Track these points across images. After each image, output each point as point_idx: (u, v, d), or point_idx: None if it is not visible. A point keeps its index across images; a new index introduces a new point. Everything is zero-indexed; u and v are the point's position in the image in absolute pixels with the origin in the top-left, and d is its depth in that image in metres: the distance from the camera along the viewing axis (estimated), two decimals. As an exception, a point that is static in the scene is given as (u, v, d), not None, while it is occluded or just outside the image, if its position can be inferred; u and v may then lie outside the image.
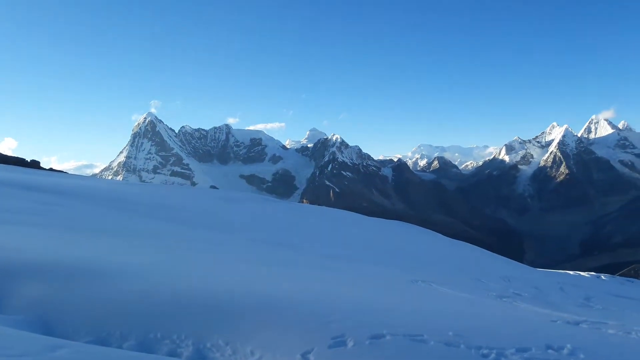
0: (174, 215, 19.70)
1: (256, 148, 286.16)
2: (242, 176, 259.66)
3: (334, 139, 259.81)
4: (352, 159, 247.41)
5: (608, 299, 18.30)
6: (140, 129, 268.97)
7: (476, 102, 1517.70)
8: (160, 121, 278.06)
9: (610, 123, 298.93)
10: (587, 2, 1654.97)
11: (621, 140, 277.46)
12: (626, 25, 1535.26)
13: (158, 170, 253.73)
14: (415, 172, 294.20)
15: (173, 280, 7.41)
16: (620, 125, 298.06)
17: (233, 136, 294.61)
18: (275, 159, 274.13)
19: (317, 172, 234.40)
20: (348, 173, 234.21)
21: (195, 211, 23.08)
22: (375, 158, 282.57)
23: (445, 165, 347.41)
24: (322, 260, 15.02)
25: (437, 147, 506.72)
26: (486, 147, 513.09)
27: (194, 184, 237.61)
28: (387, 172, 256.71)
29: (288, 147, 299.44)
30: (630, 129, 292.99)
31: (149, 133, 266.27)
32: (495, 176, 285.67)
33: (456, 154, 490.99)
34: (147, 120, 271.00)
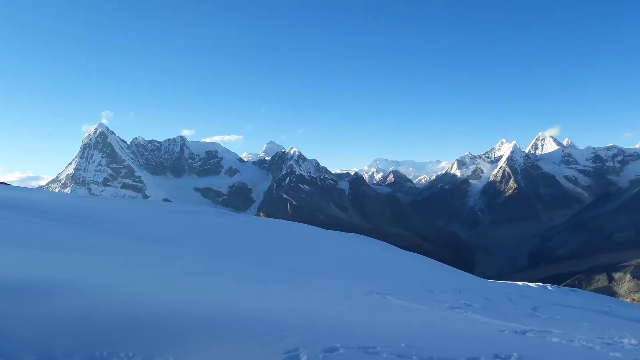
0: (125, 230, 19.05)
1: (212, 160, 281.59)
2: (196, 189, 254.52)
3: (292, 152, 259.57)
4: (309, 173, 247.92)
5: (554, 308, 19.05)
6: (90, 140, 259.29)
7: (430, 119, 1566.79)
8: (112, 132, 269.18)
9: (555, 140, 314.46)
10: (534, 25, 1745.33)
11: (565, 156, 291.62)
12: (570, 50, 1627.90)
13: (108, 183, 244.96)
14: (371, 185, 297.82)
15: (122, 296, 7.15)
16: (564, 142, 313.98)
17: (188, 148, 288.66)
18: (231, 172, 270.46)
19: (275, 185, 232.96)
20: (305, 186, 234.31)
21: (147, 225, 22.41)
22: (333, 172, 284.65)
23: (400, 179, 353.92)
24: (277, 273, 14.89)
25: (392, 161, 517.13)
26: (439, 161, 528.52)
27: (145, 197, 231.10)
28: (344, 185, 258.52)
29: (245, 160, 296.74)
30: (574, 146, 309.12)
31: (100, 144, 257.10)
32: (447, 190, 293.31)
33: (410, 168, 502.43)
34: (97, 131, 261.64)
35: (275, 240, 24.61)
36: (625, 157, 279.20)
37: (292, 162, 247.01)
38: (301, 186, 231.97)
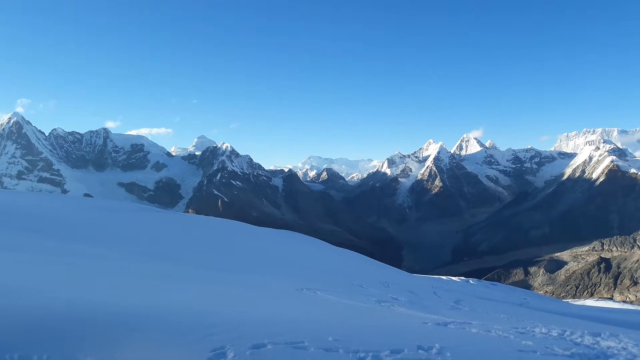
0: (42, 227, 17.83)
1: (137, 154, 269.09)
2: (120, 184, 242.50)
3: (224, 147, 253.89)
4: (242, 169, 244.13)
5: (475, 301, 20.16)
6: (3, 130, 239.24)
7: (362, 118, 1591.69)
8: (28, 122, 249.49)
9: (478, 142, 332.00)
10: (459, 29, 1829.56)
11: (488, 157, 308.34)
12: (492, 56, 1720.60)
13: (23, 176, 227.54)
14: (305, 182, 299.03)
15: (39, 296, 6.69)
16: (487, 144, 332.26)
17: (112, 141, 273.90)
18: (158, 167, 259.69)
19: (205, 181, 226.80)
20: (238, 182, 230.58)
21: (66, 221, 21.10)
22: (267, 168, 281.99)
23: (333, 177, 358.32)
24: (207, 272, 14.60)
25: (326, 158, 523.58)
26: (371, 160, 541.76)
27: (65, 191, 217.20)
28: (277, 182, 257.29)
29: (174, 154, 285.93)
30: (496, 148, 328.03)
31: (14, 135, 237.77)
32: (378, 188, 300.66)
33: (343, 166, 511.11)
34: (12, 121, 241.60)
35: (204, 237, 24.08)
36: (541, 159, 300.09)
37: (224, 157, 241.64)
38: (233, 182, 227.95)
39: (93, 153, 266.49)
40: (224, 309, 8.32)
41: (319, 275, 19.21)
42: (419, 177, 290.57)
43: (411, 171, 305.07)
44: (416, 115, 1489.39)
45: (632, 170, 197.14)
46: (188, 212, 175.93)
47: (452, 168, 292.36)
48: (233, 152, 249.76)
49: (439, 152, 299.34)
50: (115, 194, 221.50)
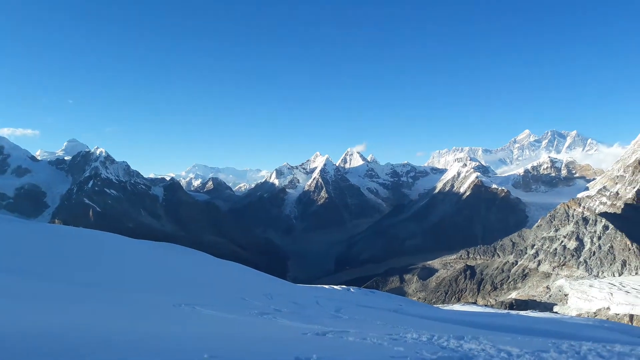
0: None
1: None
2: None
3: (98, 152, 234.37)
4: (118, 176, 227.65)
5: (354, 309, 20.89)
6: None
7: (251, 129, 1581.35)
8: None
9: (361, 155, 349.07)
10: (343, 50, 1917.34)
11: (369, 170, 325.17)
12: (371, 76, 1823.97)
13: None
14: (188, 192, 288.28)
15: None
16: (369, 158, 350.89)
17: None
18: (20, 172, 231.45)
19: (75, 189, 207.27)
20: (113, 191, 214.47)
21: None
22: (146, 176, 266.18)
23: (220, 187, 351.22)
24: (76, 288, 13.28)
25: (212, 167, 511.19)
26: (259, 170, 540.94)
27: None
28: (157, 191, 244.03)
29: (39, 158, 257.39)
30: (376, 162, 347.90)
31: None
32: (266, 198, 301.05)
33: (231, 176, 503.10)
34: None
35: (70, 250, 21.88)
36: (416, 173, 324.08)
37: (97, 163, 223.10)
38: (107, 191, 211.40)
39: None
40: (92, 328, 7.61)
41: (199, 290, 18.52)
42: (306, 188, 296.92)
43: (299, 182, 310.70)
44: (305, 127, 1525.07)
45: (494, 186, 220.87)
46: (54, 222, 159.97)
47: (337, 180, 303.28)
48: (108, 157, 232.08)
49: (325, 165, 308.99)
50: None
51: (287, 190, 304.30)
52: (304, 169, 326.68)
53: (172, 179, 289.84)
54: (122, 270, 19.45)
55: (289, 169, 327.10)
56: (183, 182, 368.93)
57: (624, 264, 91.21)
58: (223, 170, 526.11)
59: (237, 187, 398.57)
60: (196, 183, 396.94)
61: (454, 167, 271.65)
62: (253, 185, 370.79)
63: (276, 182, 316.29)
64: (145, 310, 11.30)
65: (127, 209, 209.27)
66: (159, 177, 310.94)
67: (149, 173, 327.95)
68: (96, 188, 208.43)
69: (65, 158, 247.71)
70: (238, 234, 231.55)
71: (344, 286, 61.16)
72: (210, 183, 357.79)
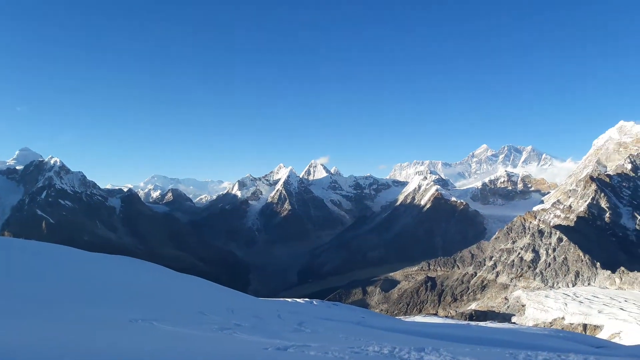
0: None
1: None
2: None
3: (52, 162, 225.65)
4: (73, 187, 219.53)
5: (317, 322, 20.70)
6: None
7: (213, 139, 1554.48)
8: None
9: (325, 168, 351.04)
10: (312, 66, 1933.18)
11: (332, 182, 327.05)
12: (334, 91, 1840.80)
13: None
14: (147, 203, 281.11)
15: None
16: (332, 170, 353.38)
17: None
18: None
19: (27, 200, 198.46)
20: (67, 202, 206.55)
21: None
22: (103, 187, 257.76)
23: (180, 198, 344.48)
24: (23, 304, 12.56)
25: (172, 179, 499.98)
26: (221, 181, 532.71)
27: None
28: (115, 202, 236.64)
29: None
30: (340, 174, 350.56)
31: None
32: (227, 210, 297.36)
33: (191, 187, 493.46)
34: None
35: (19, 264, 20.78)
36: (378, 185, 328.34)
37: (51, 173, 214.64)
38: (62, 202, 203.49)
39: None
40: (38, 347, 7.18)
41: (156, 304, 17.92)
42: (269, 200, 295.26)
43: (262, 194, 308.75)
44: (268, 139, 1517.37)
45: (453, 199, 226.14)
46: (4, 234, 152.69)
47: (301, 192, 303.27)
48: (63, 167, 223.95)
49: (288, 176, 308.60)
50: None
51: (249, 202, 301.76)
52: (267, 180, 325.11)
53: (130, 190, 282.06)
54: (75, 284, 18.59)
55: (251, 180, 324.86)
56: (141, 194, 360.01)
57: (577, 274, 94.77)
58: (183, 181, 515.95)
59: (197, 199, 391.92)
60: (155, 194, 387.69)
61: (415, 180, 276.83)
62: (214, 197, 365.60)
63: (238, 193, 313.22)
64: (99, 326, 10.80)
65: (83, 220, 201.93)
66: (117, 188, 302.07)
67: (106, 184, 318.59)
68: (50, 199, 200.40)
69: (17, 167, 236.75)
70: (198, 247, 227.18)
71: (307, 299, 60.84)
72: (169, 194, 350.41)
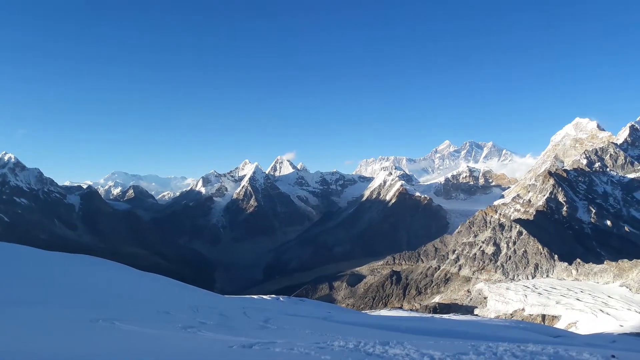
0: None
1: None
2: None
3: (7, 158, 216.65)
4: (29, 184, 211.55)
5: (283, 318, 20.65)
6: None
7: (176, 135, 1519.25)
8: None
9: (291, 164, 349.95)
10: (274, 64, 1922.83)
11: (299, 178, 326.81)
12: (302, 86, 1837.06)
13: None
14: (107, 201, 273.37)
15: None
16: (299, 166, 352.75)
17: None
18: None
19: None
20: (23, 200, 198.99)
21: None
22: (61, 184, 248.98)
23: (141, 195, 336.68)
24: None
25: (133, 175, 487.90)
26: (184, 178, 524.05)
27: None
28: (74, 200, 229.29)
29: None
30: (306, 170, 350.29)
31: None
32: (191, 207, 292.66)
33: (153, 184, 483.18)
34: None
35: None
36: (345, 181, 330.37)
37: (5, 170, 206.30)
38: (17, 200, 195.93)
39: None
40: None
41: (119, 304, 17.48)
42: (235, 196, 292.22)
43: (227, 190, 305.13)
44: (233, 134, 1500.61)
45: (417, 194, 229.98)
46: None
47: (267, 188, 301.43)
48: (18, 164, 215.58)
49: (254, 172, 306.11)
50: None
51: (214, 198, 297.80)
52: (232, 176, 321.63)
53: (90, 187, 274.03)
54: (31, 285, 17.89)
55: (216, 176, 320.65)
56: (101, 191, 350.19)
57: (536, 267, 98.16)
58: (145, 177, 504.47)
59: (160, 196, 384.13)
60: (116, 191, 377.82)
61: (380, 175, 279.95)
62: (178, 194, 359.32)
63: (203, 190, 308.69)
64: (58, 327, 10.44)
65: (40, 219, 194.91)
66: (75, 184, 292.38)
67: (64, 181, 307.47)
68: (4, 197, 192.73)
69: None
70: (161, 245, 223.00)
71: (273, 295, 60.60)
72: (131, 191, 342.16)
